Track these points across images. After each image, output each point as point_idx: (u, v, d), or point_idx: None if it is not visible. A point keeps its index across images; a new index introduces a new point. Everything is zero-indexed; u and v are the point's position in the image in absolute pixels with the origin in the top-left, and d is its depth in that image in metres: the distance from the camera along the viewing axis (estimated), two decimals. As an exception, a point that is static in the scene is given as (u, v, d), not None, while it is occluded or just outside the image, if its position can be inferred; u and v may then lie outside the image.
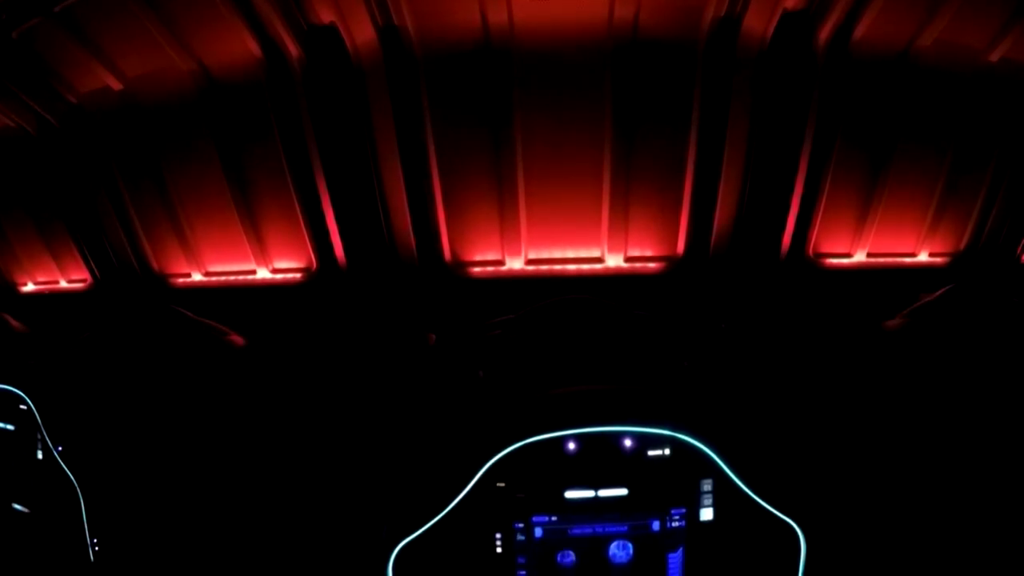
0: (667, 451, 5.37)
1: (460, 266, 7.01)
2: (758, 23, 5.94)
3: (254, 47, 6.19)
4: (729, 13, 5.89)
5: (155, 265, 7.95)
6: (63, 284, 8.89)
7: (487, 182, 6.66)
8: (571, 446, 5.27)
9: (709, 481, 5.31)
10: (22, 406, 7.71)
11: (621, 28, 5.95)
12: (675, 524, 5.27)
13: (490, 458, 5.21)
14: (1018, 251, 7.06)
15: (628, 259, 6.94)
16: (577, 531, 5.26)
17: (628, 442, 5.33)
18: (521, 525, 5.22)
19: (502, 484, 5.21)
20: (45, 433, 7.37)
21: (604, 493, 5.29)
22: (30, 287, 9.13)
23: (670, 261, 6.89)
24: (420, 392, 5.98)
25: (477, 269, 7.02)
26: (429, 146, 6.49)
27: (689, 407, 5.51)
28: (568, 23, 5.99)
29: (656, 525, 5.25)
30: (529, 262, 6.97)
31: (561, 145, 6.51)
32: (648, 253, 6.94)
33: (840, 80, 6.24)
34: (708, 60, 6.13)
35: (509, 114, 6.31)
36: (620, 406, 5.38)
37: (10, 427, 8.01)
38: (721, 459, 5.37)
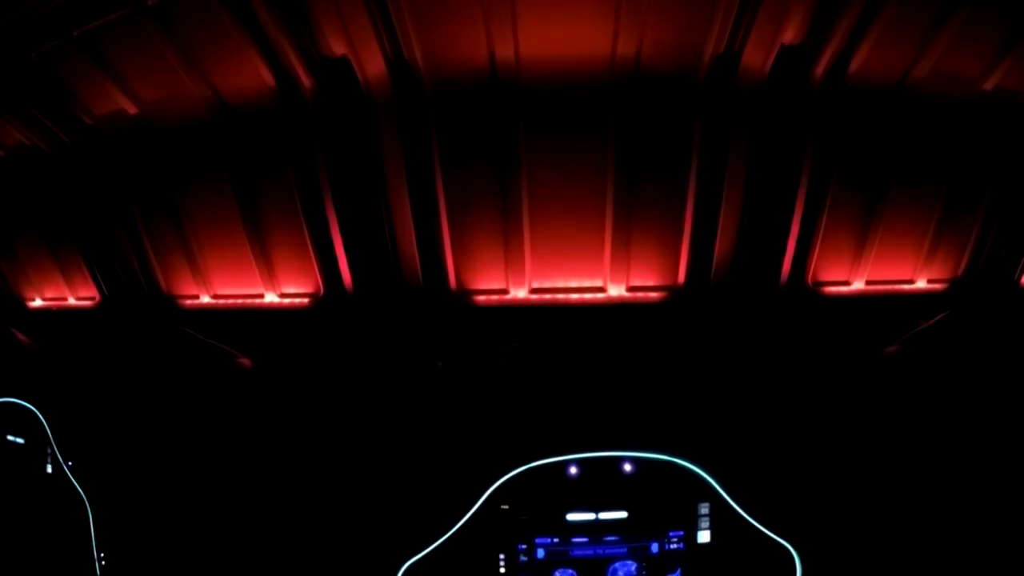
0: (666, 476, 5.50)
1: (465, 294, 7.13)
2: (756, 58, 6.10)
3: (268, 77, 6.34)
4: (728, 49, 6.04)
5: (164, 286, 8.07)
6: (71, 301, 9.00)
7: (493, 212, 6.79)
8: (573, 470, 5.41)
9: (706, 505, 5.45)
10: (33, 421, 7.80)
11: (623, 64, 6.10)
12: (673, 546, 5.40)
13: (494, 481, 5.35)
14: (1016, 276, 7.17)
15: (630, 288, 7.06)
16: (578, 552, 5.39)
17: (628, 467, 5.46)
18: (524, 546, 5.35)
19: (506, 506, 5.34)
20: (55, 447, 7.45)
21: (604, 516, 5.43)
22: (38, 303, 9.25)
23: (671, 290, 7.02)
24: (427, 416, 6.10)
25: (482, 297, 7.13)
26: (436, 176, 6.63)
27: (687, 433, 5.65)
28: (572, 59, 6.14)
29: (655, 547, 5.39)
30: (533, 291, 7.09)
31: (565, 177, 6.64)
32: (650, 283, 7.06)
33: (837, 111, 6.39)
34: (708, 94, 6.28)
35: (515, 146, 6.46)
36: (620, 432, 5.52)
37: (20, 440, 8.09)
38: (718, 483, 5.50)
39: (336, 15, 5.85)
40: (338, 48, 6.11)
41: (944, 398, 6.26)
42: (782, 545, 5.38)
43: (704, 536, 5.32)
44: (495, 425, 5.63)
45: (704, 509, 5.29)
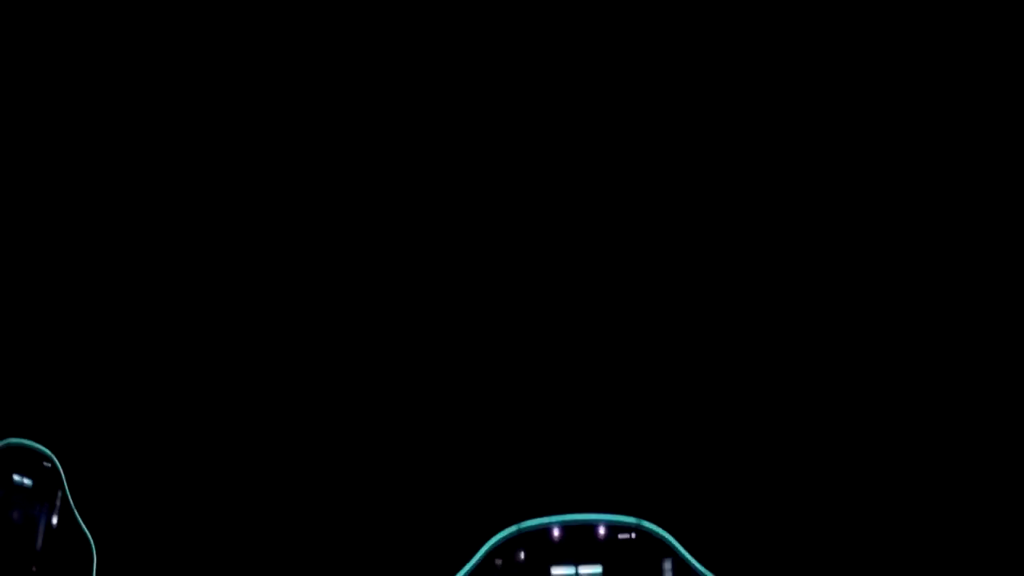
0: (633, 535, 6.41)
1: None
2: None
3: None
4: None
5: None
6: None
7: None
8: (556, 532, 6.28)
9: (669, 560, 6.34)
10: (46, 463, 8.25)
11: None
12: (642, 598, 6.28)
13: (491, 539, 6.19)
14: None
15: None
16: (561, 603, 6.24)
17: (601, 529, 6.35)
18: (514, 597, 6.18)
19: (500, 560, 6.19)
20: (68, 491, 7.94)
21: (583, 571, 6.30)
22: None
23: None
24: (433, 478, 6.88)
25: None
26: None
27: (653, 501, 6.53)
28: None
29: (626, 597, 6.26)
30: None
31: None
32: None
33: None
34: None
35: None
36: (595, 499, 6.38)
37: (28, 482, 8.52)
38: (677, 543, 6.39)
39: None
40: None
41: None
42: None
43: (669, 589, 6.17)
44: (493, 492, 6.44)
45: (668, 564, 6.15)
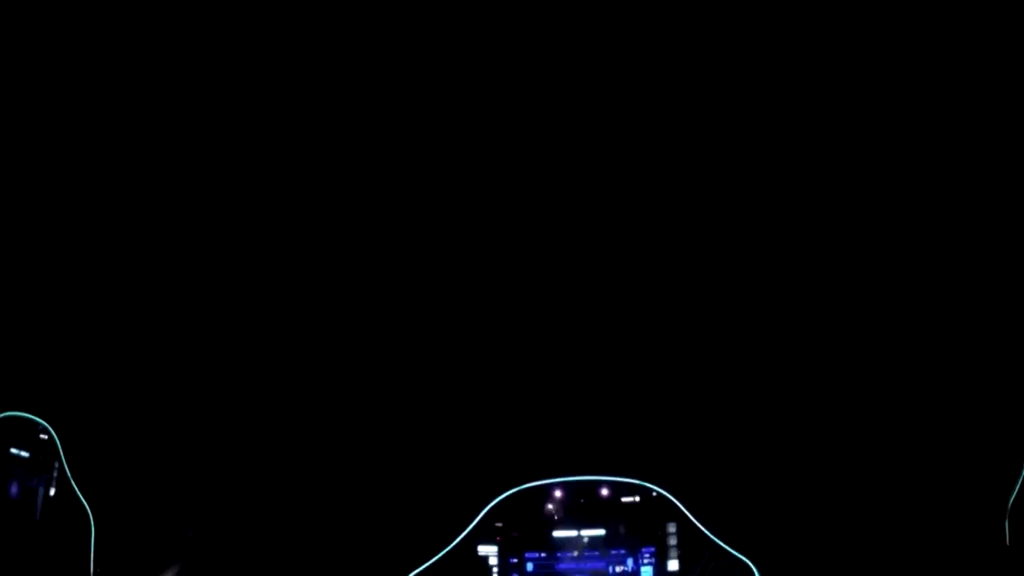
0: (637, 498, 6.27)
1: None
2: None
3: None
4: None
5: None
6: None
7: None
8: (557, 493, 6.15)
9: (674, 522, 6.21)
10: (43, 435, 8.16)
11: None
12: (646, 561, 6.16)
13: (490, 501, 6.05)
14: None
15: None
16: (563, 566, 6.12)
17: (604, 491, 6.22)
18: (515, 560, 6.06)
19: (500, 524, 6.06)
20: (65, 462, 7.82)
21: (586, 533, 6.17)
22: None
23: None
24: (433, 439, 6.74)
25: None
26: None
27: (656, 459, 6.37)
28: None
29: (630, 562, 6.14)
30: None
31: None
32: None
33: None
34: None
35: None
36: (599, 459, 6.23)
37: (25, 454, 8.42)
38: (683, 505, 6.25)
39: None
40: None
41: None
42: (741, 559, 6.11)
43: (672, 552, 6.03)
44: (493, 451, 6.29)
45: (672, 528, 6.00)
